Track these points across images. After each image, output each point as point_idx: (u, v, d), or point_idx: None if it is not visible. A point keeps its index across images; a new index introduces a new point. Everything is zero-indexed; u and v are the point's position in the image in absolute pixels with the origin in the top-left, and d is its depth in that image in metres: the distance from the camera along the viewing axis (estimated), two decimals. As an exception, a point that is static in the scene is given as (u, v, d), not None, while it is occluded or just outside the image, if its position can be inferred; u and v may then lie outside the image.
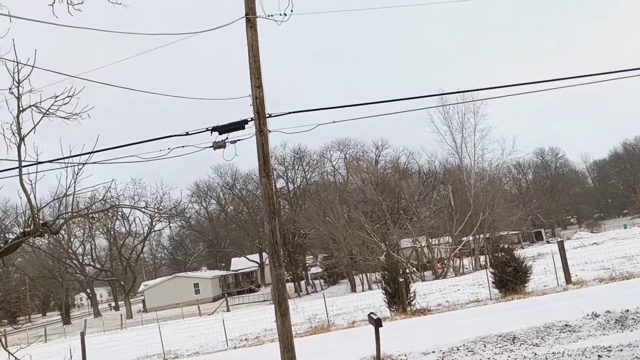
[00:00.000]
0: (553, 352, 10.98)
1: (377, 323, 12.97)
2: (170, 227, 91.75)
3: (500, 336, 13.22)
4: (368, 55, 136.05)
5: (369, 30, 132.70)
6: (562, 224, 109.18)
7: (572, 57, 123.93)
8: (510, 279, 21.68)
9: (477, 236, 51.94)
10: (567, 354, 10.60)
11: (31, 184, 7.40)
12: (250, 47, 10.29)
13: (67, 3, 7.14)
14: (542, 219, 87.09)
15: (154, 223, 75.48)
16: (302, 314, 26.99)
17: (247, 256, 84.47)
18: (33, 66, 6.77)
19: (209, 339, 23.46)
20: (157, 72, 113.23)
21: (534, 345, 11.99)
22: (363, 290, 46.64)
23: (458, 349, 12.62)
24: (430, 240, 51.80)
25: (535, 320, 14.28)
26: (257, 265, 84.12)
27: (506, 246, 30.62)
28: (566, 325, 13.39)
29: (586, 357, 10.18)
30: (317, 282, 65.91)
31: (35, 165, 7.42)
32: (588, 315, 13.85)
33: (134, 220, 77.54)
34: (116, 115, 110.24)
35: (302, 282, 67.32)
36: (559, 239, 26.15)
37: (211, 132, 10.71)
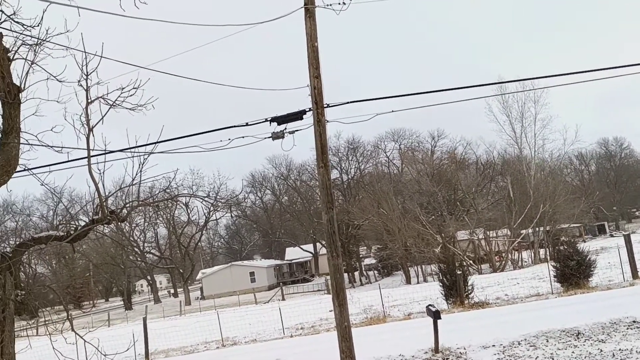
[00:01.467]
0: (620, 349, 10.57)
1: (435, 315, 12.84)
2: (232, 215, 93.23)
3: (564, 331, 12.84)
4: (425, 44, 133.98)
5: (426, 18, 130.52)
6: (627, 217, 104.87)
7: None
8: (573, 272, 21.00)
9: (537, 229, 50.58)
10: (637, 351, 10.18)
11: (99, 173, 7.68)
12: (308, 37, 10.30)
13: (133, -4, 7.31)
14: (606, 212, 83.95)
15: (211, 213, 77.04)
16: (357, 305, 27.00)
17: (301, 246, 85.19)
18: (101, 56, 6.97)
19: (265, 327, 23.80)
20: (215, 63, 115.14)
21: (599, 341, 11.58)
22: (418, 282, 46.26)
23: (519, 343, 12.33)
24: (487, 232, 50.77)
25: (601, 315, 13.80)
26: (311, 255, 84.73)
27: (568, 239, 29.69)
28: (634, 321, 12.87)
29: (657, 355, 9.76)
30: (370, 273, 65.79)
31: (104, 155, 7.69)
32: (658, 311, 13.29)
33: (193, 209, 79.37)
34: (177, 106, 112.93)
35: (356, 273, 67.34)
36: (625, 232, 25.11)
37: (270, 123, 10.82)
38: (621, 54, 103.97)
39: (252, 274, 73.61)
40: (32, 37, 7.55)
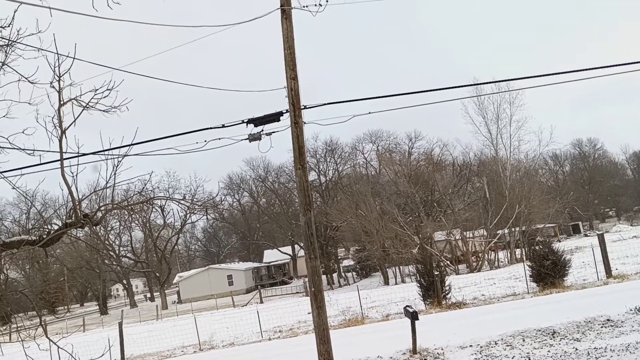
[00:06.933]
0: (595, 348, 10.71)
1: (413, 316, 12.88)
2: (207, 218, 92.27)
3: (540, 330, 12.98)
4: (401, 45, 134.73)
5: (403, 18, 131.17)
6: (600, 217, 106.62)
7: (615, 43, 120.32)
8: (549, 272, 21.27)
9: (513, 229, 51.12)
10: (610, 349, 10.33)
11: (72, 176, 7.51)
12: (285, 38, 10.26)
13: (106, -4, 7.18)
14: (580, 212, 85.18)
15: (187, 215, 76.23)
16: (335, 306, 26.96)
17: (280, 248, 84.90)
18: (74, 58, 6.83)
19: (243, 330, 23.64)
20: (192, 65, 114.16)
21: (574, 340, 11.73)
22: (396, 284, 46.42)
23: (496, 343, 12.43)
24: (464, 233, 51.18)
25: (576, 314, 13.98)
26: (290, 257, 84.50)
27: (543, 239, 30.08)
28: (608, 320, 13.06)
29: (630, 352, 9.91)
30: (349, 274, 65.85)
31: (77, 158, 7.52)
32: (631, 310, 13.50)
33: (169, 212, 78.60)
34: (152, 108, 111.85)
35: (335, 275, 67.39)
36: (598, 232, 25.51)
37: (247, 125, 10.73)
38: (603, 54, 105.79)
39: (229, 277, 73.16)
40: (2, 38, 7.37)
